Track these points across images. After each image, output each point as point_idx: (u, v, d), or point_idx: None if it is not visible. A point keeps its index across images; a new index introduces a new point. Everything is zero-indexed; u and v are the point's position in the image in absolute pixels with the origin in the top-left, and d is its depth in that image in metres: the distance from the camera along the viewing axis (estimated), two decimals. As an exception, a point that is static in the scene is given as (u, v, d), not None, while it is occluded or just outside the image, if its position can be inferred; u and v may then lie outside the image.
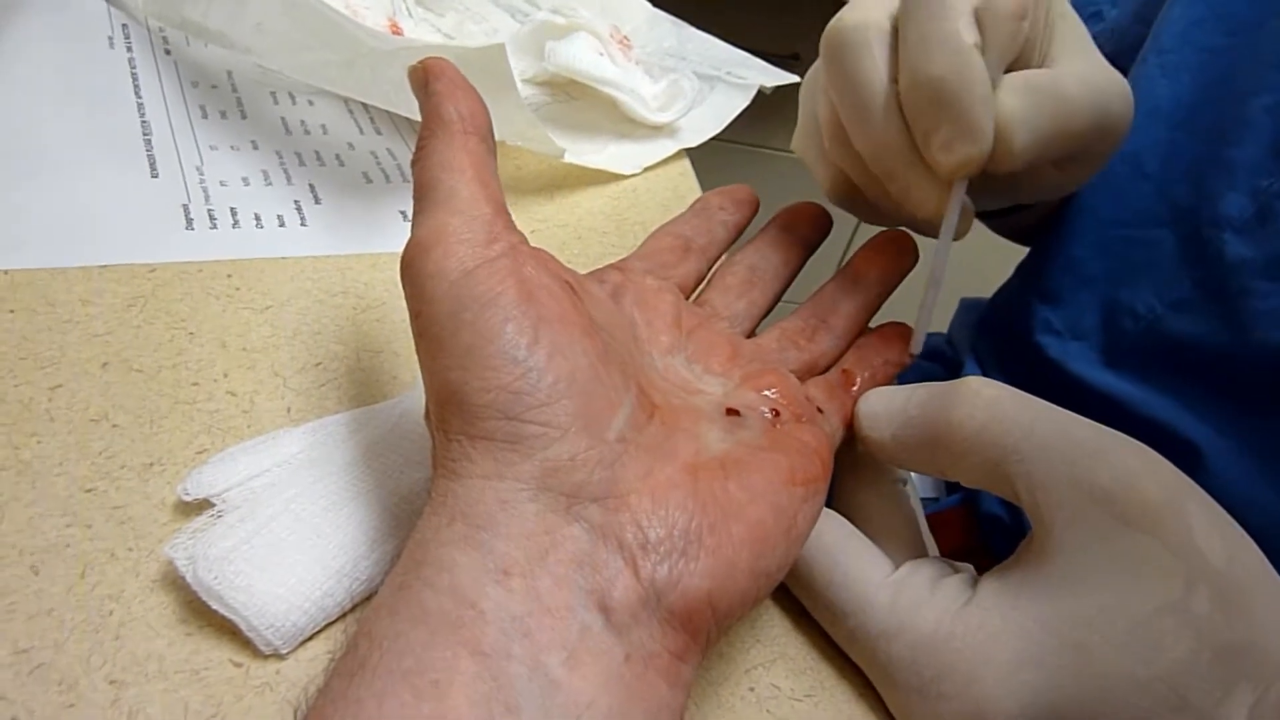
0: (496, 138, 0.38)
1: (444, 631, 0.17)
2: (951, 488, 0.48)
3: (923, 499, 0.47)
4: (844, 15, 0.27)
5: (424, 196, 0.22)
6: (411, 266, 0.21)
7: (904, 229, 0.32)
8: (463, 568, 0.18)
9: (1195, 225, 0.34)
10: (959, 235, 0.28)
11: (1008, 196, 0.32)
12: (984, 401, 0.24)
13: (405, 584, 0.19)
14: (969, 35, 0.25)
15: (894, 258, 0.32)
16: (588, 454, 0.20)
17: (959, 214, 0.27)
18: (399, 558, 0.20)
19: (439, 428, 0.21)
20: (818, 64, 0.30)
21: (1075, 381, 0.39)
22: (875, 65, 0.27)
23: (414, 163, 0.23)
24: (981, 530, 0.44)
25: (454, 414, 0.20)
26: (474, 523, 0.19)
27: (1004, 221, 0.47)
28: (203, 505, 0.24)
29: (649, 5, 0.57)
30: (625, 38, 0.51)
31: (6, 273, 0.29)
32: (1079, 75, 0.27)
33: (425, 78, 0.24)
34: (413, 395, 0.28)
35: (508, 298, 0.20)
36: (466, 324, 0.20)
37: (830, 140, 0.30)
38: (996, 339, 0.46)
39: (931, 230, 0.30)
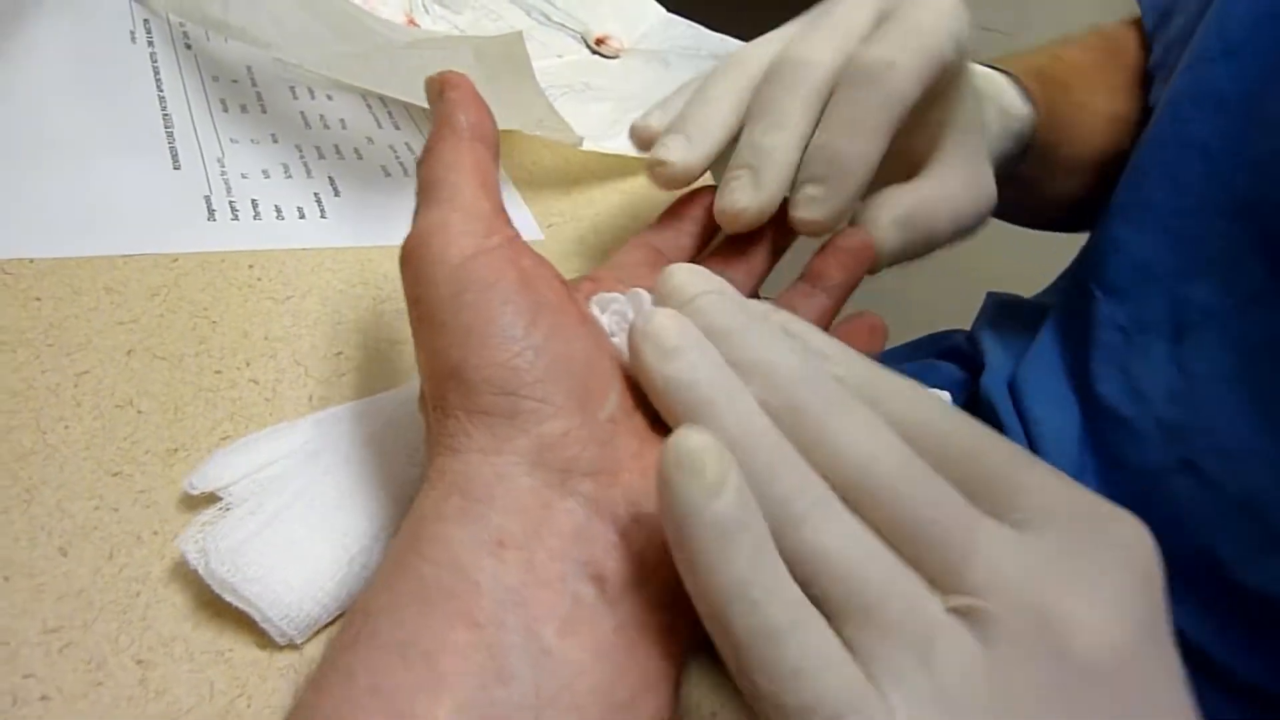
0: (515, 126, 0.39)
1: (439, 603, 0.18)
2: None
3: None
4: (799, 54, 0.29)
5: (427, 192, 0.23)
6: (413, 255, 0.22)
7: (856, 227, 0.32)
8: (459, 541, 0.19)
9: (1262, 216, 0.34)
10: None
11: None
12: None
13: (401, 559, 0.19)
14: None
15: (854, 256, 0.31)
16: (580, 431, 0.20)
17: None
18: (396, 535, 0.20)
19: (436, 406, 0.21)
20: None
21: (1130, 385, 0.38)
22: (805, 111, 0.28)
23: (420, 162, 0.24)
24: None
25: (453, 390, 0.20)
26: (471, 496, 0.19)
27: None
28: (213, 498, 0.24)
29: (662, 9, 0.57)
30: (603, 37, 0.52)
31: (33, 261, 0.29)
32: (950, 198, 0.31)
33: (441, 87, 0.25)
34: (410, 387, 0.28)
35: (507, 282, 0.21)
36: (467, 305, 0.20)
37: None
38: (1054, 343, 0.45)
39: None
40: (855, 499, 0.19)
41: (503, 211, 0.23)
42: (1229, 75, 0.38)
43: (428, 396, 0.22)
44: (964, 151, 0.31)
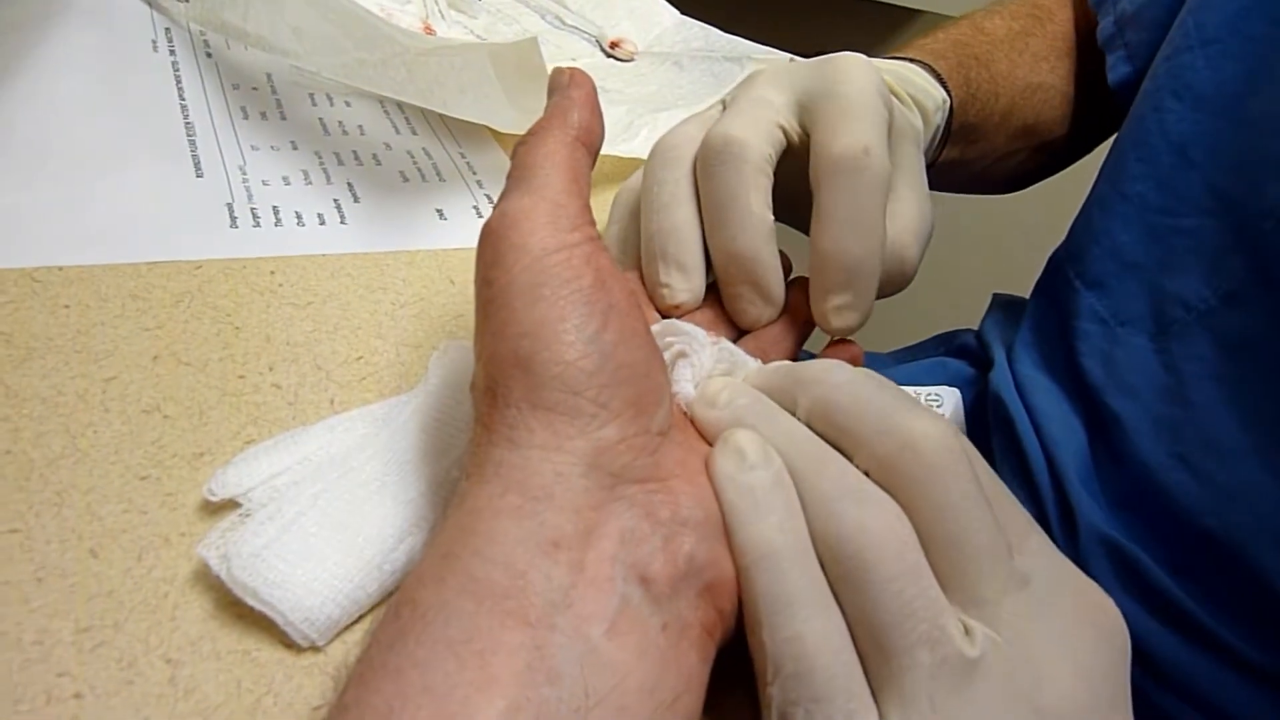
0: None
1: (491, 601, 0.18)
2: None
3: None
4: (725, 131, 0.28)
5: (521, 177, 0.23)
6: (494, 235, 0.22)
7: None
8: (515, 538, 0.19)
9: (1242, 215, 0.34)
10: None
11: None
12: None
13: (452, 553, 0.19)
14: None
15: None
16: (634, 440, 0.21)
17: None
18: (441, 525, 0.20)
19: (495, 394, 0.21)
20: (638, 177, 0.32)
21: (1116, 377, 0.38)
22: (760, 196, 0.28)
23: (520, 144, 0.24)
24: None
25: (519, 381, 0.21)
26: (530, 494, 0.20)
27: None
28: (232, 504, 0.24)
29: (676, 12, 0.58)
30: (617, 41, 0.53)
31: (61, 269, 0.30)
32: (914, 230, 0.31)
33: (568, 82, 0.25)
34: (424, 390, 0.28)
35: (585, 281, 0.21)
36: (544, 298, 0.21)
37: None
38: (1037, 333, 0.45)
39: None
40: (914, 505, 0.21)
41: (588, 210, 0.23)
42: (1208, 69, 0.38)
43: (484, 382, 0.22)
44: (914, 183, 0.32)
